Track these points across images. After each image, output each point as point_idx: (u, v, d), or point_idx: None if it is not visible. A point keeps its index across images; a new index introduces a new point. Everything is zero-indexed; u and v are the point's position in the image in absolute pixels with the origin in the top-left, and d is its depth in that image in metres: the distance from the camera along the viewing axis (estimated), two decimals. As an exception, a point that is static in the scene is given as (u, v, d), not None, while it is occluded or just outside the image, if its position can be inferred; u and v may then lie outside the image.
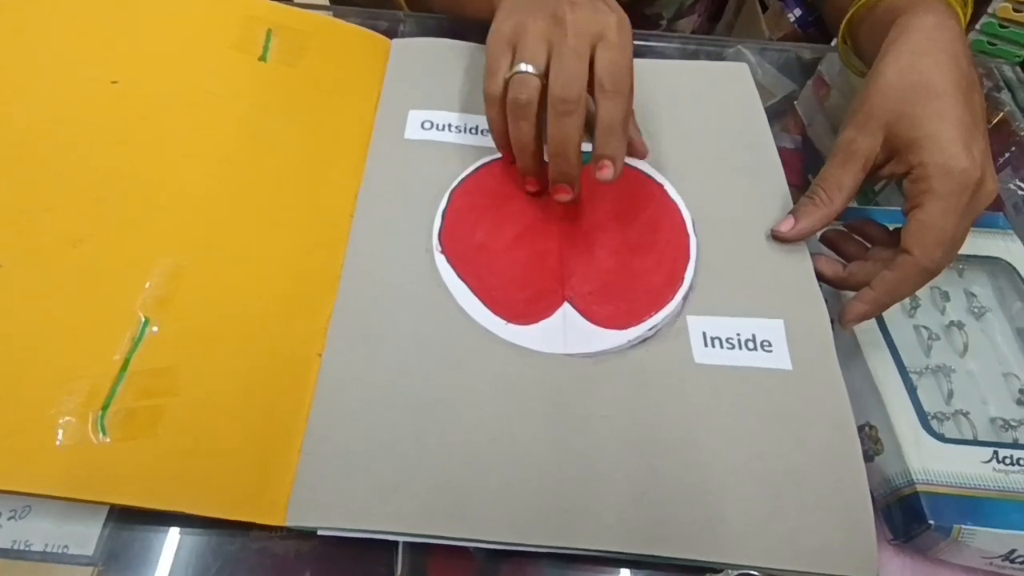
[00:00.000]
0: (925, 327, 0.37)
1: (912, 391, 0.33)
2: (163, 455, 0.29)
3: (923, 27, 0.34)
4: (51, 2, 0.40)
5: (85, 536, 0.29)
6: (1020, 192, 0.45)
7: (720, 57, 0.52)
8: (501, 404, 0.31)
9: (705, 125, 0.43)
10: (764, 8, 0.84)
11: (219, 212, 0.36)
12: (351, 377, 0.32)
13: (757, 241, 0.37)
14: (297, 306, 0.34)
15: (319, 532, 0.29)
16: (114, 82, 0.38)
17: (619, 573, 0.31)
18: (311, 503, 0.29)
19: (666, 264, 0.36)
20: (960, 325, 0.37)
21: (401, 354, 0.32)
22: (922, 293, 0.38)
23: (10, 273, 0.31)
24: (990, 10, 0.55)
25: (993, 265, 0.39)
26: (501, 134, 0.36)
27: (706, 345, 0.34)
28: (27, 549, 0.28)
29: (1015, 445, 0.32)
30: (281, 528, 0.28)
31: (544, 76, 0.33)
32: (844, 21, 0.41)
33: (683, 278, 0.35)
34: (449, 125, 0.41)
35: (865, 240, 0.37)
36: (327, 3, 0.59)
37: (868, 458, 0.32)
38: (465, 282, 0.35)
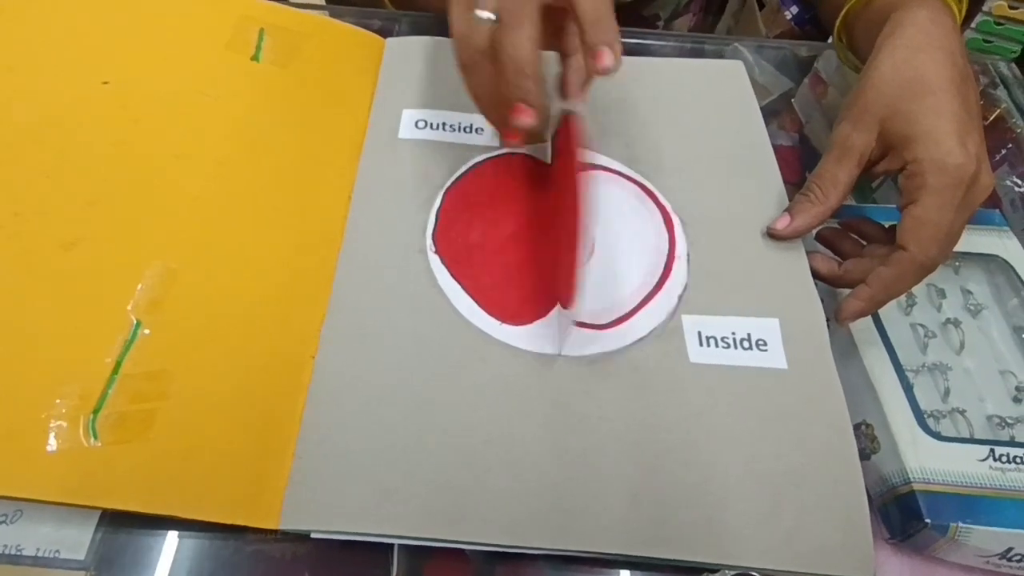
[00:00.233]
0: (921, 325, 0.36)
1: (908, 389, 0.33)
2: (155, 458, 0.28)
3: (918, 22, 0.33)
4: (42, 2, 0.40)
5: (77, 541, 0.29)
6: (1017, 189, 0.45)
7: (718, 55, 0.52)
8: (496, 405, 0.31)
9: (700, 123, 0.42)
10: (761, 6, 0.84)
11: (211, 213, 0.35)
12: (345, 379, 0.32)
13: (753, 239, 0.37)
14: (290, 307, 0.34)
15: (313, 535, 0.28)
16: (105, 83, 0.38)
17: (617, 574, 0.31)
18: (305, 506, 0.29)
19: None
20: (956, 323, 0.37)
21: (395, 355, 0.32)
22: (918, 290, 0.37)
23: (1, 276, 0.31)
24: (985, 8, 0.55)
25: (989, 262, 0.39)
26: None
27: (701, 345, 0.34)
28: (18, 554, 0.28)
29: (1012, 443, 0.32)
30: (275, 531, 0.28)
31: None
32: (839, 17, 0.41)
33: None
34: (443, 124, 0.41)
35: (861, 237, 0.37)
36: (323, 2, 0.58)
37: (865, 457, 0.32)
38: (459, 283, 0.35)
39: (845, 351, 0.34)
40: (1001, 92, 0.51)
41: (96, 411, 0.29)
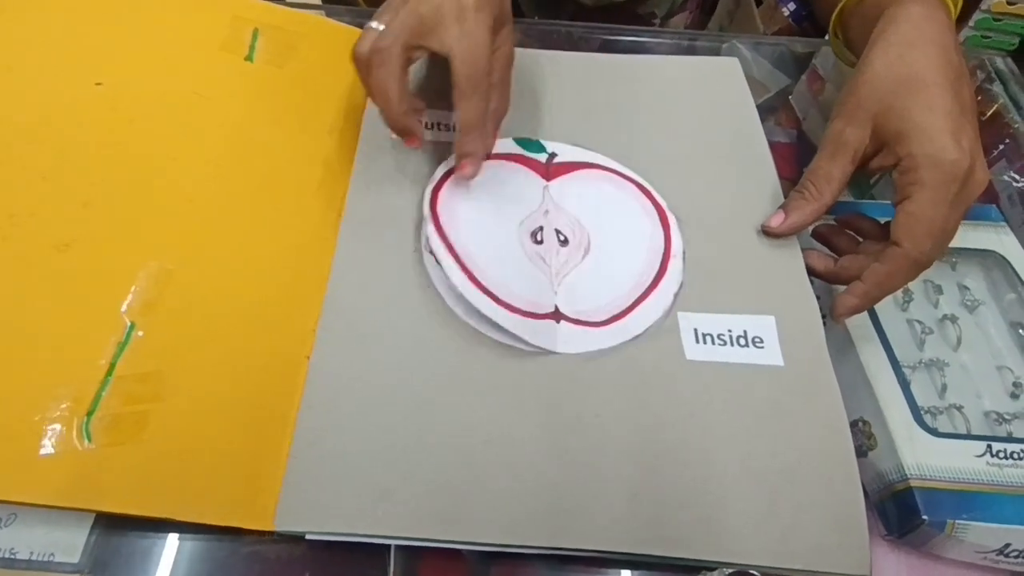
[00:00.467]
0: (918, 321, 0.36)
1: (905, 385, 0.32)
2: (150, 461, 0.28)
3: (911, 18, 0.33)
4: (36, 3, 0.40)
5: (71, 544, 0.28)
6: (1015, 184, 0.45)
7: (714, 52, 0.52)
8: (492, 405, 0.31)
9: (696, 121, 0.42)
10: (758, 3, 0.84)
11: (206, 215, 0.35)
12: (340, 379, 0.31)
13: (748, 236, 0.37)
14: (285, 308, 0.34)
15: (308, 536, 0.28)
16: (98, 84, 0.38)
17: (613, 573, 0.31)
18: (300, 507, 0.28)
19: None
20: (953, 319, 0.36)
21: (390, 356, 0.32)
22: (915, 286, 0.37)
23: (-6, 278, 0.31)
24: (984, 7, 0.55)
25: (986, 258, 0.39)
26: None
27: (697, 342, 0.34)
28: (13, 558, 0.28)
29: (1009, 439, 0.32)
30: (270, 533, 0.28)
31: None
32: (835, 13, 0.41)
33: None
34: (437, 124, 0.41)
35: (857, 234, 0.37)
36: (319, 2, 0.58)
37: (861, 453, 0.32)
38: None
39: (841, 348, 0.34)
40: (997, 87, 0.50)
41: (90, 413, 0.29)
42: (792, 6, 0.81)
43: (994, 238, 0.39)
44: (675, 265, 0.36)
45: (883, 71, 0.33)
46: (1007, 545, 0.29)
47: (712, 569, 0.29)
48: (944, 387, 0.34)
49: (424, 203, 0.36)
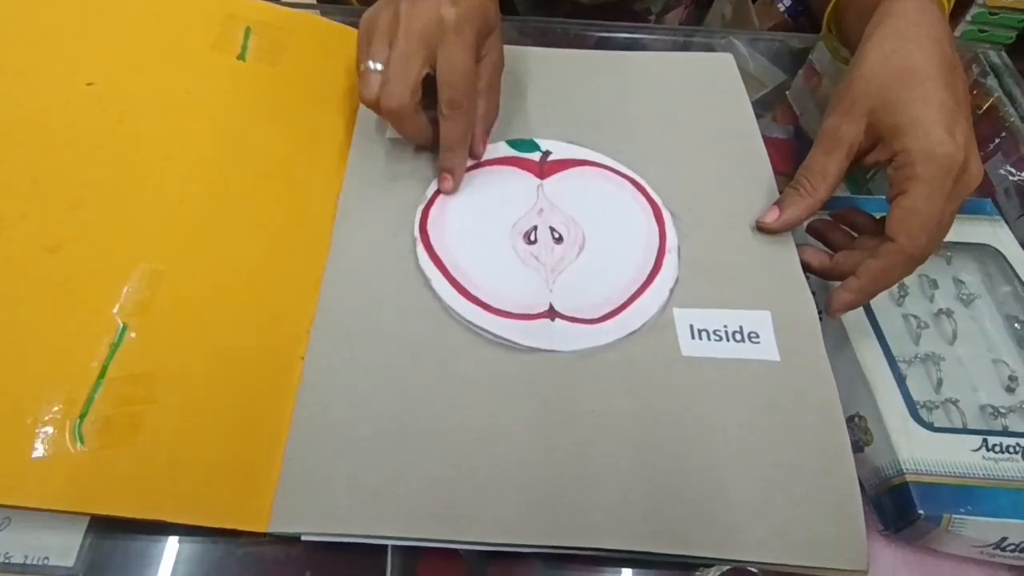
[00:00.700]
0: (914, 315, 0.36)
1: (901, 380, 0.32)
2: (143, 463, 0.28)
3: (905, 12, 0.33)
4: (26, 3, 0.40)
5: (66, 547, 0.28)
6: (1011, 178, 0.45)
7: (711, 48, 0.52)
8: (488, 403, 0.31)
9: (690, 116, 0.42)
10: (755, -1, 0.84)
11: (198, 215, 0.35)
12: (334, 380, 0.31)
13: (743, 232, 0.37)
14: (279, 308, 0.33)
15: (304, 538, 0.28)
16: (90, 84, 0.38)
17: (609, 571, 0.31)
18: (295, 508, 0.28)
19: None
20: (949, 313, 0.36)
21: (385, 355, 0.32)
22: (910, 281, 0.37)
23: (-15, 281, 0.31)
24: (980, 1, 0.55)
25: (981, 252, 0.39)
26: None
27: (693, 337, 0.33)
28: (7, 562, 0.28)
29: (1005, 433, 0.32)
30: (265, 535, 0.28)
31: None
32: (829, 7, 0.41)
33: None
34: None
35: (852, 229, 0.37)
36: (313, 1, 0.58)
37: (857, 449, 0.32)
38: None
39: (837, 343, 0.34)
40: (992, 81, 0.50)
41: (82, 416, 0.28)
42: (788, 1, 0.80)
43: (989, 232, 0.39)
44: (670, 261, 0.36)
45: (878, 65, 0.33)
46: (1004, 539, 0.29)
47: (709, 566, 0.29)
48: (940, 381, 0.34)
49: (414, 226, 0.36)
